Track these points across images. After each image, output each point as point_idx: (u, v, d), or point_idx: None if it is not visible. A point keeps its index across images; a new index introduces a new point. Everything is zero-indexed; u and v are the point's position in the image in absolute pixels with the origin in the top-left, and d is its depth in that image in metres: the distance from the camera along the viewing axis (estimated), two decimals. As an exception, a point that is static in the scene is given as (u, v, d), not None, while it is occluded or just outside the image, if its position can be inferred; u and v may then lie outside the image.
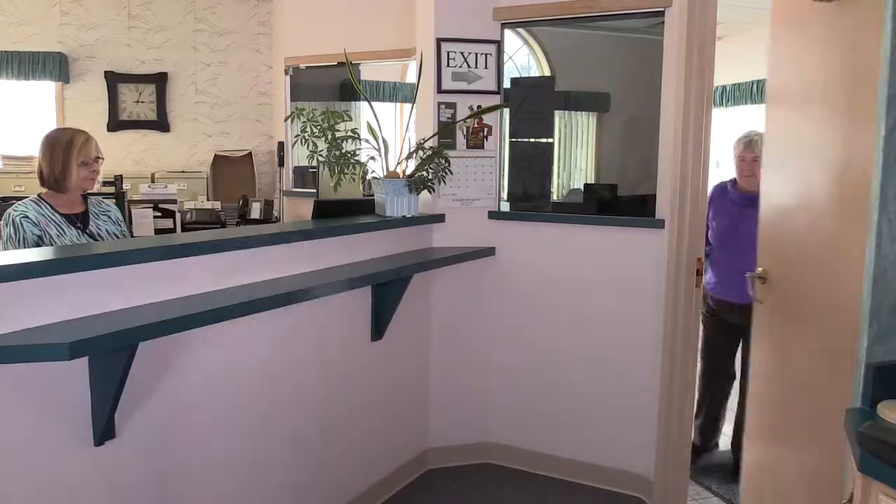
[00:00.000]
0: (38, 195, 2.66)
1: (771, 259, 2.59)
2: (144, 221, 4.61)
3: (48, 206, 2.62)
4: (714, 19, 3.18)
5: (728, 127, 7.96)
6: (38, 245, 2.53)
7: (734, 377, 3.81)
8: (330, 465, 3.08)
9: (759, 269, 2.62)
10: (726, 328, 3.67)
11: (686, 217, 3.20)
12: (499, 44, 3.64)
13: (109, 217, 2.81)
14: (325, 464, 3.06)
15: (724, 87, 7.77)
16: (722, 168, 8.11)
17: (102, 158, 2.71)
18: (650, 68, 3.36)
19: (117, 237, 2.80)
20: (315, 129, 3.29)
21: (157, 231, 4.69)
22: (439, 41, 3.57)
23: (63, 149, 2.59)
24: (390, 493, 3.48)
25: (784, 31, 2.53)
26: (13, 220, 2.53)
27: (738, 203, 3.59)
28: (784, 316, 2.50)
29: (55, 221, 2.60)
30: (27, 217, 2.55)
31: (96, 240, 2.70)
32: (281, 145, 5.79)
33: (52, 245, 2.55)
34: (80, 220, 2.68)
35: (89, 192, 2.82)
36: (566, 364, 3.64)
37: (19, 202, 2.62)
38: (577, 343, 3.59)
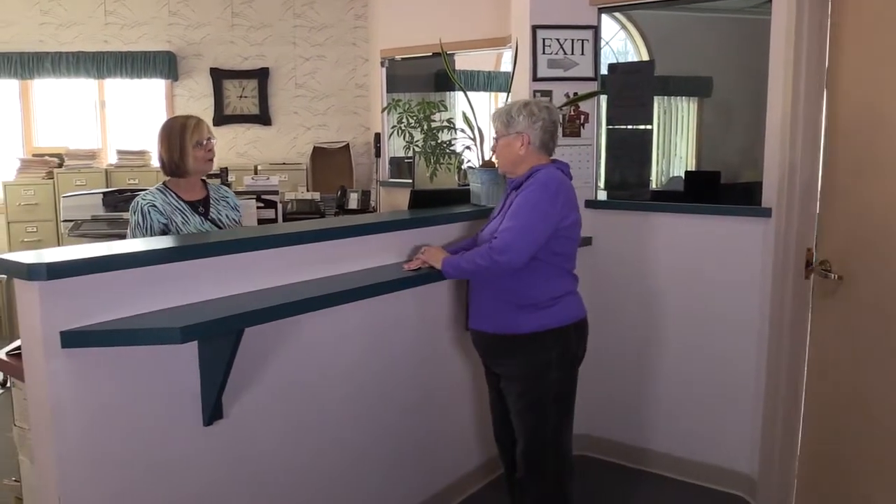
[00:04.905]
0: (163, 183, 2.80)
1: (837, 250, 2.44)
2: (248, 212, 4.78)
3: (173, 195, 2.76)
4: (828, -5, 3.01)
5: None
6: (164, 233, 2.67)
7: None
8: (418, 457, 3.10)
9: (820, 260, 2.48)
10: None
11: (795, 205, 3.05)
12: (595, 29, 3.57)
13: (228, 203, 2.94)
14: (412, 455, 3.06)
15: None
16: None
17: (215, 139, 2.84)
18: (755, 50, 3.22)
19: (236, 222, 2.92)
20: (411, 120, 3.33)
21: (260, 221, 4.86)
22: (535, 28, 3.53)
23: (178, 134, 2.73)
24: (475, 487, 3.42)
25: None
26: (141, 208, 2.68)
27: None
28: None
29: (180, 209, 2.74)
30: (154, 206, 2.69)
31: (218, 226, 2.83)
32: (377, 136, 5.88)
33: (177, 233, 2.69)
34: (202, 205, 2.82)
35: (209, 175, 2.94)
36: (665, 356, 3.54)
37: (146, 191, 2.76)
38: (677, 335, 3.49)
